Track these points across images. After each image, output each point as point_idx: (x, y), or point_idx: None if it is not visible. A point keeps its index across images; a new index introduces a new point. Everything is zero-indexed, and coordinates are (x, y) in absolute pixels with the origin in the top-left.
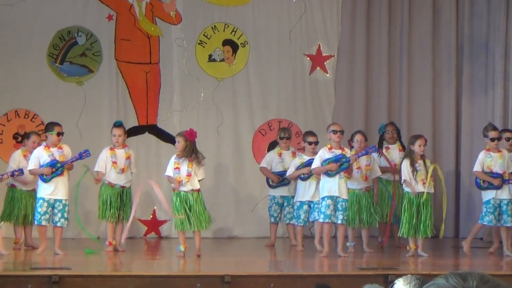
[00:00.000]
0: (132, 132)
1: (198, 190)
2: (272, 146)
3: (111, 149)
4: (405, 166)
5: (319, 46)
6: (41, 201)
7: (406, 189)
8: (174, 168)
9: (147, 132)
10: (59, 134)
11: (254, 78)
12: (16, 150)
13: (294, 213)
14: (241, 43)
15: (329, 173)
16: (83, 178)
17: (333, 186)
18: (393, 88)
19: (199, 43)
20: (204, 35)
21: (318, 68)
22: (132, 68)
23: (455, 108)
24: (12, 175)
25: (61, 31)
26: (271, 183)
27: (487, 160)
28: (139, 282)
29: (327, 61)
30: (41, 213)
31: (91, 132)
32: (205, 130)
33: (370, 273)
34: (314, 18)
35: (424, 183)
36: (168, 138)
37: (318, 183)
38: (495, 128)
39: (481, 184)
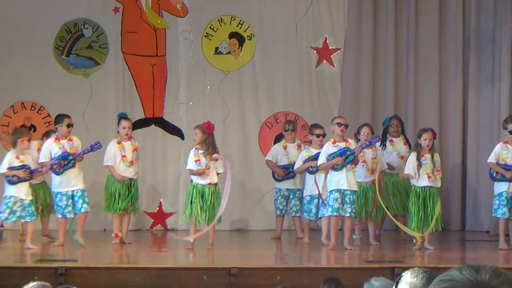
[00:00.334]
0: (138, 124)
1: (216, 184)
2: (278, 139)
3: (118, 142)
4: (411, 159)
5: (326, 39)
6: (59, 195)
7: (413, 182)
8: (195, 161)
9: (153, 125)
10: (69, 125)
11: (261, 71)
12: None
13: (305, 207)
14: (247, 36)
15: (335, 167)
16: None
17: (341, 179)
18: (399, 81)
19: (205, 36)
20: (210, 27)
21: (324, 61)
22: (138, 61)
23: (461, 102)
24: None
25: (68, 24)
26: (276, 177)
27: (503, 153)
28: (145, 274)
29: (334, 54)
30: (63, 206)
31: (97, 124)
32: None
33: (377, 266)
34: (320, 11)
35: (429, 177)
36: (174, 130)
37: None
38: None
39: (494, 175)
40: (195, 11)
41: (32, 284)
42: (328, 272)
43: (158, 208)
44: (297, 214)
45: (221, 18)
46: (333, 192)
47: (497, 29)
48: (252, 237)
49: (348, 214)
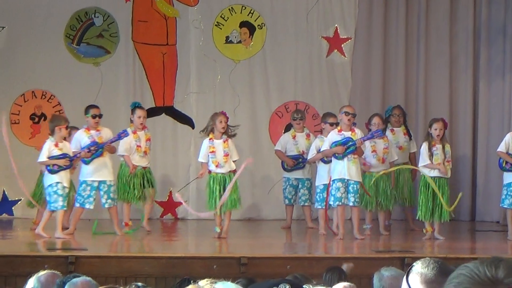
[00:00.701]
0: (148, 113)
1: (234, 171)
2: (288, 128)
3: (133, 132)
4: (424, 149)
5: (337, 29)
6: (84, 185)
7: (423, 171)
8: (210, 152)
9: (163, 114)
10: (94, 116)
11: (271, 60)
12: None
13: (317, 196)
14: (258, 25)
15: (336, 156)
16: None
17: (343, 168)
18: (410, 71)
19: (216, 25)
20: (221, 16)
21: (335, 50)
22: (149, 50)
23: (471, 93)
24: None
25: (78, 12)
26: (286, 167)
27: None
28: (155, 263)
29: (344, 43)
30: (84, 196)
31: (108, 113)
32: None
33: (387, 256)
34: (331, 0)
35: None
36: (184, 119)
37: None
38: None
39: (504, 165)
40: (205, 0)
41: (42, 272)
42: (338, 261)
43: (168, 197)
44: (306, 204)
45: (232, 7)
46: (336, 182)
47: (508, 20)
48: (262, 227)
49: (351, 203)
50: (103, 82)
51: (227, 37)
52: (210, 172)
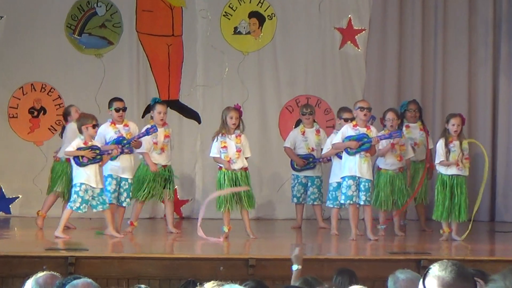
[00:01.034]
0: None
1: (246, 169)
2: (299, 123)
3: None
4: (440, 146)
5: (350, 20)
6: (109, 179)
7: (440, 169)
8: (222, 147)
9: (168, 108)
10: (118, 109)
11: (281, 52)
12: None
13: (329, 195)
14: (268, 15)
15: (348, 151)
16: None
17: (354, 165)
18: (426, 64)
19: (224, 15)
20: (229, 6)
21: (348, 42)
22: (154, 41)
23: (491, 86)
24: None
25: (80, 1)
26: (295, 166)
27: None
28: (159, 264)
29: (358, 35)
30: (111, 191)
31: None
32: None
33: (401, 258)
34: None
35: (457, 165)
36: (190, 114)
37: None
38: None
39: None
40: None
41: (41, 274)
42: (350, 263)
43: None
44: (316, 203)
45: None
46: (346, 179)
47: None
48: (271, 227)
49: (362, 202)
50: (105, 74)
51: (236, 28)
52: (220, 168)
